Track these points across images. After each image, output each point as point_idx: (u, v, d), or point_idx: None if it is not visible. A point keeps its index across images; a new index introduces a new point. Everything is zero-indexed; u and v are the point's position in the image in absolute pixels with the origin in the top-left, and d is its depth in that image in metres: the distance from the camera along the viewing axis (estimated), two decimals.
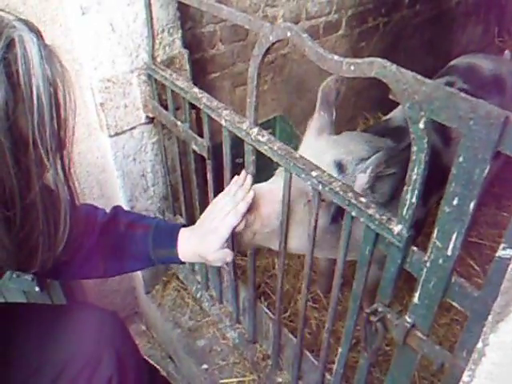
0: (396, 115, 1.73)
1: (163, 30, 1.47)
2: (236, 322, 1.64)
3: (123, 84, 1.45)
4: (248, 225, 1.10)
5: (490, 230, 2.26)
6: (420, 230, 1.50)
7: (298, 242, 1.20)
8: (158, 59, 1.48)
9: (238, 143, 1.19)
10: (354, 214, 0.90)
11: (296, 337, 1.30)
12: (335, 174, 1.17)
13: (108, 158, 1.58)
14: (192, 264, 1.78)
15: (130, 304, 2.03)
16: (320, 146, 1.29)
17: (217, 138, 1.25)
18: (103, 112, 1.44)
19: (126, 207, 1.66)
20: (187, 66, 1.57)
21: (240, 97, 2.06)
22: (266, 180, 1.28)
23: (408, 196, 0.77)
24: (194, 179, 1.48)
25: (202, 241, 1.08)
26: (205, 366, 1.60)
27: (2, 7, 0.70)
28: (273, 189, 1.15)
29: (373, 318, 0.92)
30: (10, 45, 0.64)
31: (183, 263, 1.16)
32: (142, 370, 1.23)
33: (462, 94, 0.64)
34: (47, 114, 0.67)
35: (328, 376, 1.25)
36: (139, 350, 1.24)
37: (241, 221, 1.06)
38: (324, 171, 0.97)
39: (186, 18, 1.67)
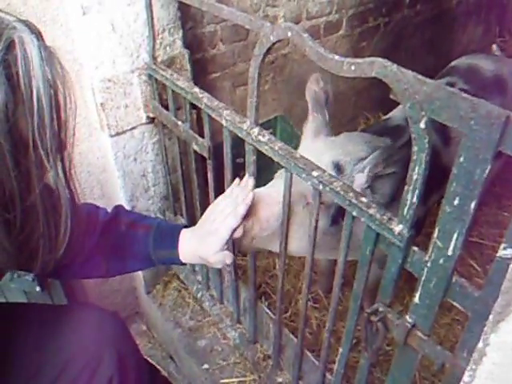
0: (396, 114, 1.73)
1: (164, 30, 1.47)
2: (237, 322, 1.64)
3: (124, 84, 1.45)
4: (246, 230, 1.10)
5: (491, 230, 2.26)
6: (420, 229, 1.50)
7: (298, 244, 1.20)
8: (159, 59, 1.48)
9: (238, 143, 1.19)
10: (354, 213, 0.90)
11: (297, 337, 1.30)
12: None
13: (109, 158, 1.58)
14: (192, 264, 1.78)
15: (131, 304, 2.03)
16: (317, 148, 1.28)
17: (217, 138, 1.25)
18: (104, 112, 1.44)
19: (126, 207, 1.66)
20: (188, 66, 1.57)
21: (241, 97, 2.06)
22: (266, 180, 1.28)
23: (409, 196, 0.77)
24: (194, 179, 1.48)
25: (202, 242, 1.08)
26: (205, 366, 1.60)
27: (3, 7, 0.70)
28: (271, 192, 1.15)
29: (373, 318, 0.92)
30: (10, 46, 0.64)
31: (184, 264, 1.16)
32: (143, 370, 1.23)
33: (463, 94, 0.64)
34: (47, 116, 0.67)
35: (329, 376, 1.25)
36: (140, 350, 1.24)
37: (240, 223, 1.06)
38: (325, 171, 0.97)
39: (187, 18, 1.67)
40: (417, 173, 0.74)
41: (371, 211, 0.86)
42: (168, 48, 1.51)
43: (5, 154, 0.63)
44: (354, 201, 0.89)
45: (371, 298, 1.08)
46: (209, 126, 1.28)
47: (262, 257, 2.08)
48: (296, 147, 1.34)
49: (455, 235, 0.72)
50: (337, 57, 0.82)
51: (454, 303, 0.79)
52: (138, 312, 2.07)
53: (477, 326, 0.73)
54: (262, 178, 1.22)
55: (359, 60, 0.77)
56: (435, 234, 0.76)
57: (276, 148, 1.04)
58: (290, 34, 0.90)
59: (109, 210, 1.17)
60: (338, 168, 1.22)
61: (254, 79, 1.03)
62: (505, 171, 1.87)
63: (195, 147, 1.36)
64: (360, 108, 2.74)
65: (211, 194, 1.41)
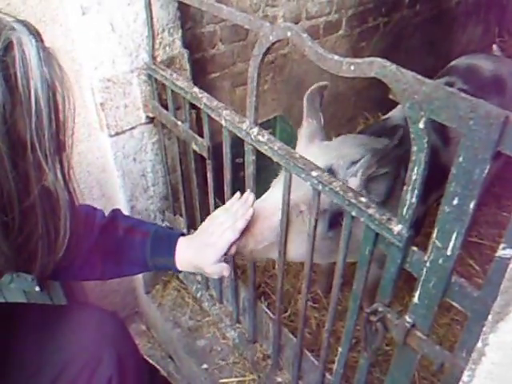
0: (395, 114, 1.73)
1: (163, 30, 1.47)
2: (236, 322, 1.64)
3: (123, 84, 1.45)
4: (242, 245, 1.10)
5: (490, 230, 2.26)
6: (420, 228, 1.50)
7: (296, 252, 1.20)
8: (158, 59, 1.48)
9: (238, 143, 1.19)
10: (353, 213, 0.90)
11: (296, 337, 1.30)
12: None
13: (108, 157, 1.58)
14: None
15: (130, 304, 2.03)
16: (311, 153, 1.27)
17: (217, 138, 1.25)
18: (103, 112, 1.44)
19: (126, 207, 1.66)
20: (187, 66, 1.57)
21: (240, 97, 2.06)
22: (265, 180, 1.28)
23: (408, 196, 0.77)
24: (194, 179, 1.48)
25: (199, 252, 1.09)
26: (205, 366, 1.60)
27: (3, 7, 0.69)
28: (264, 206, 1.15)
29: (373, 318, 0.92)
30: (8, 47, 0.63)
31: (180, 272, 1.17)
32: (142, 369, 1.23)
33: (462, 94, 0.64)
34: (45, 117, 0.66)
35: (328, 376, 1.25)
36: (139, 350, 1.24)
37: (238, 239, 1.07)
38: (324, 171, 0.97)
39: (187, 17, 1.67)
40: (416, 173, 0.74)
41: (370, 211, 0.86)
42: (167, 48, 1.51)
43: (2, 155, 0.63)
44: (353, 201, 0.89)
45: (370, 298, 1.08)
46: (208, 125, 1.28)
47: None
48: (295, 147, 1.34)
49: (454, 235, 0.72)
50: (336, 57, 0.82)
51: (453, 303, 0.79)
52: (138, 312, 2.07)
53: (476, 326, 0.73)
54: (261, 178, 1.22)
55: (358, 60, 0.77)
56: (434, 234, 0.76)
57: (275, 148, 1.04)
58: (289, 33, 0.90)
59: (106, 214, 1.17)
60: (331, 172, 1.22)
61: (253, 79, 1.03)
62: (504, 171, 1.87)
63: (195, 147, 1.36)
64: (359, 108, 2.74)
65: (210, 193, 1.41)
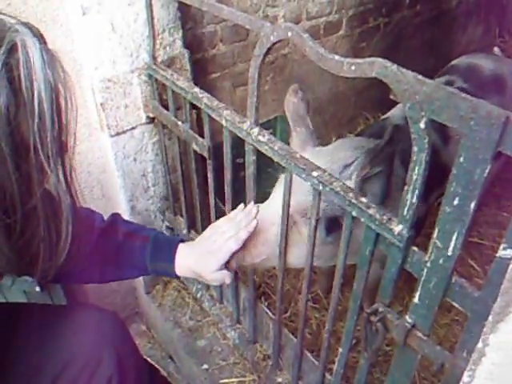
0: (394, 114, 1.73)
1: (164, 30, 1.47)
2: (236, 322, 1.64)
3: (124, 84, 1.45)
4: (239, 260, 1.11)
5: (491, 230, 2.26)
6: (421, 228, 1.50)
7: (294, 261, 1.20)
8: (159, 59, 1.48)
9: (238, 143, 1.19)
10: (354, 213, 0.90)
11: (296, 337, 1.30)
12: None
13: (108, 157, 1.58)
14: None
15: (131, 304, 2.03)
16: None
17: (217, 138, 1.25)
18: (104, 112, 1.44)
19: (126, 207, 1.66)
20: (188, 66, 1.57)
21: (241, 97, 2.06)
22: (265, 180, 1.28)
23: (408, 196, 0.77)
24: (194, 179, 1.48)
25: (200, 260, 1.10)
26: (205, 366, 1.60)
27: (3, 7, 0.70)
28: (261, 219, 1.15)
29: (373, 318, 0.92)
30: (12, 49, 0.64)
31: (178, 278, 1.17)
32: (142, 369, 1.23)
33: (463, 94, 0.64)
34: (48, 119, 0.67)
35: (328, 376, 1.25)
36: (139, 350, 1.24)
37: (239, 250, 1.08)
38: (325, 171, 0.97)
39: (187, 18, 1.67)
40: (417, 173, 0.74)
41: (371, 211, 0.86)
42: (168, 48, 1.51)
43: (6, 157, 0.63)
44: (353, 201, 0.89)
45: (371, 299, 1.08)
46: (209, 126, 1.28)
47: None
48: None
49: (455, 235, 0.72)
50: (337, 57, 0.82)
51: (454, 303, 0.79)
52: (138, 312, 2.06)
53: (476, 327, 0.73)
54: (261, 178, 1.22)
55: (359, 60, 0.77)
56: (435, 235, 0.76)
57: (276, 148, 1.04)
58: (290, 34, 0.90)
59: (105, 218, 1.17)
60: None
61: (254, 79, 1.03)
62: (504, 171, 1.87)
63: (195, 147, 1.36)
64: (360, 108, 2.74)
65: (211, 194, 1.41)
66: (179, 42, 1.53)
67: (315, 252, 1.08)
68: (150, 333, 2.00)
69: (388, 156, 1.13)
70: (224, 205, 1.35)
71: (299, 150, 1.31)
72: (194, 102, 1.28)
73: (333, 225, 1.16)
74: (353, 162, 1.18)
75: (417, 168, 0.74)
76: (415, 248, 0.82)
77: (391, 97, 0.74)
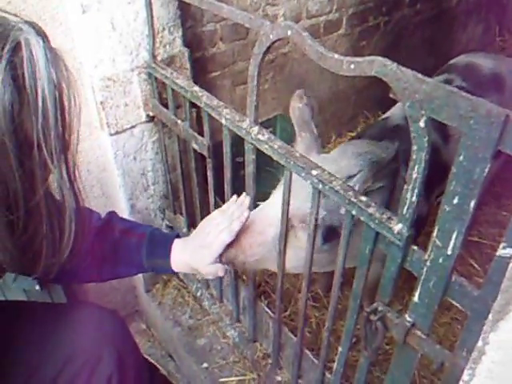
0: (394, 113, 1.73)
1: (164, 29, 1.47)
2: (236, 321, 1.64)
3: (124, 82, 1.45)
4: (232, 258, 1.11)
5: (491, 229, 2.26)
6: (423, 226, 1.50)
7: (291, 265, 1.20)
8: (159, 58, 1.47)
9: (238, 142, 1.19)
10: (354, 212, 0.90)
11: (296, 336, 1.30)
12: None
13: (108, 156, 1.58)
14: None
15: (131, 302, 2.03)
16: None
17: (217, 137, 1.25)
18: (104, 110, 1.44)
19: (126, 206, 1.66)
20: (188, 65, 1.56)
21: (240, 95, 2.06)
22: (265, 179, 1.27)
23: (408, 195, 0.77)
24: (194, 178, 1.48)
25: (195, 254, 1.10)
26: (205, 365, 1.60)
27: (3, 5, 0.70)
28: (254, 220, 1.15)
29: (373, 317, 0.92)
30: (16, 48, 0.64)
31: (175, 273, 1.18)
32: (142, 368, 1.23)
33: (463, 93, 0.64)
34: (52, 117, 0.67)
35: (328, 375, 1.25)
36: (139, 349, 1.24)
37: (233, 243, 1.08)
38: (324, 170, 0.97)
39: (187, 16, 1.67)
40: (416, 172, 0.74)
41: (370, 210, 0.86)
42: (168, 47, 1.51)
43: (9, 154, 0.64)
44: (353, 199, 0.89)
45: (371, 297, 1.08)
46: (208, 124, 1.28)
47: None
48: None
49: (455, 234, 0.72)
50: (336, 56, 0.82)
51: (454, 302, 0.79)
52: (138, 310, 2.07)
53: (476, 325, 0.73)
54: (261, 177, 1.22)
55: (359, 59, 0.77)
56: (435, 233, 0.76)
57: (275, 147, 1.04)
58: (289, 32, 0.90)
59: (102, 216, 1.18)
60: None
61: (253, 78, 1.03)
62: (504, 170, 1.87)
63: (195, 146, 1.36)
64: (360, 107, 2.74)
65: (211, 192, 1.41)
66: (179, 41, 1.53)
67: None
68: (149, 331, 2.00)
69: (391, 172, 1.13)
70: (224, 203, 1.35)
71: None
72: (194, 101, 1.28)
73: (330, 233, 1.15)
74: (356, 174, 1.18)
75: (416, 167, 0.74)
76: (415, 247, 0.82)
77: (391, 95, 0.74)
